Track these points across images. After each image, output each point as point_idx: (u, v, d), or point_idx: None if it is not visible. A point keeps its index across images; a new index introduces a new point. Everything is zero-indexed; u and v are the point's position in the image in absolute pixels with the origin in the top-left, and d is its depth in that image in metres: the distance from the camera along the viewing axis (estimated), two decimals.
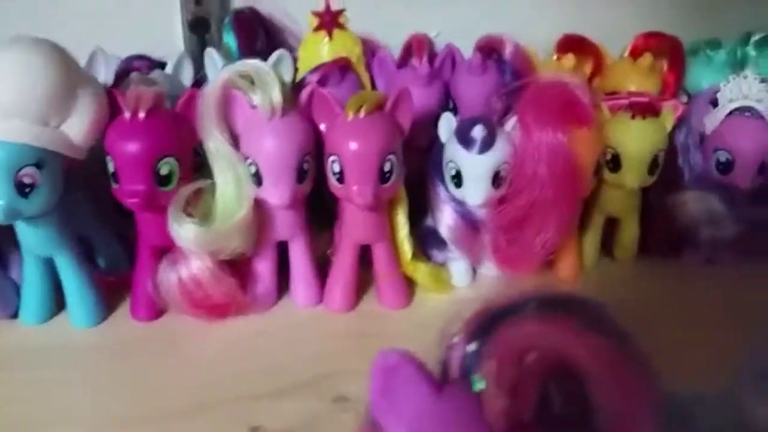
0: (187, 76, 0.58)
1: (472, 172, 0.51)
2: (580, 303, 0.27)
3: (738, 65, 0.65)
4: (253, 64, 0.48)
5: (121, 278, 0.53)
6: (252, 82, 0.47)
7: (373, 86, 0.59)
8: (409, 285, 0.56)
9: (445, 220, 0.55)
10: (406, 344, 0.27)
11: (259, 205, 0.50)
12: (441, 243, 0.56)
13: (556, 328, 0.24)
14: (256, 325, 0.52)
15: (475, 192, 0.52)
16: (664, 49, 0.63)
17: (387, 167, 0.47)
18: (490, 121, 0.52)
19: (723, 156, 0.56)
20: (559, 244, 0.54)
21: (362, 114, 0.46)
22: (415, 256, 0.55)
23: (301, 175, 0.48)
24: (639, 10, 0.71)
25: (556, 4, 0.70)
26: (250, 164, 0.48)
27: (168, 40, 0.70)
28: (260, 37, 0.58)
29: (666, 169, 0.58)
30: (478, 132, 0.50)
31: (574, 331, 0.24)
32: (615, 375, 0.23)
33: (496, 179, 0.52)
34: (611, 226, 0.61)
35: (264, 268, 0.53)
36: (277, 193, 0.48)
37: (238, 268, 0.52)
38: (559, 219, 0.52)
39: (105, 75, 0.53)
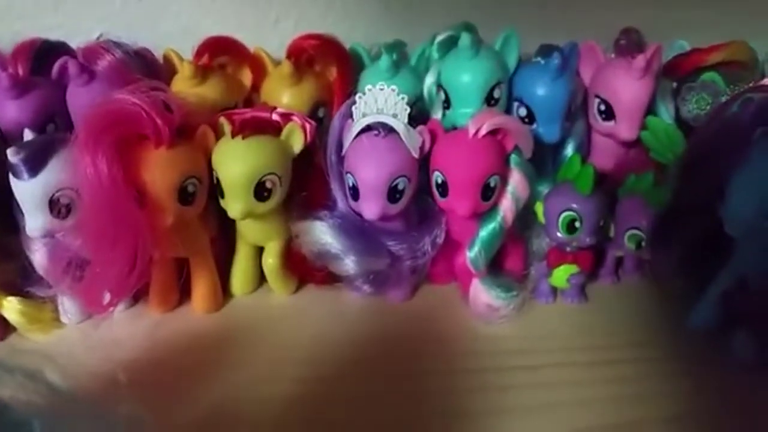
0: None
1: (23, 199, 0.45)
2: None
3: (423, 70, 0.56)
4: None
5: None
6: None
7: None
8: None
9: (32, 251, 0.48)
10: None
11: None
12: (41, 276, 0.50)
13: None
14: None
15: (31, 222, 0.45)
16: (330, 53, 0.54)
17: None
18: (42, 141, 0.45)
19: (350, 180, 0.48)
20: (138, 279, 0.47)
21: None
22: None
23: None
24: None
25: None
26: None
27: None
28: None
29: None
30: (11, 155, 0.43)
31: None
32: None
33: (55, 207, 0.45)
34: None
35: None
36: None
37: None
38: (123, 252, 0.45)
39: None
